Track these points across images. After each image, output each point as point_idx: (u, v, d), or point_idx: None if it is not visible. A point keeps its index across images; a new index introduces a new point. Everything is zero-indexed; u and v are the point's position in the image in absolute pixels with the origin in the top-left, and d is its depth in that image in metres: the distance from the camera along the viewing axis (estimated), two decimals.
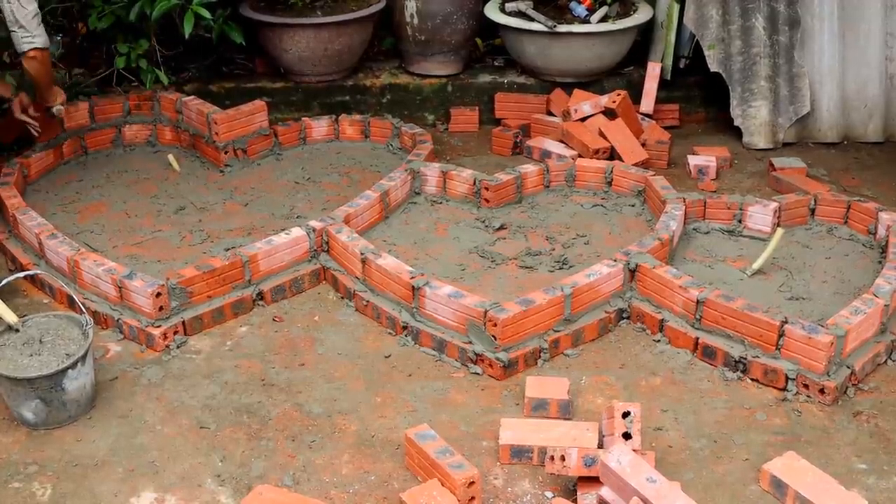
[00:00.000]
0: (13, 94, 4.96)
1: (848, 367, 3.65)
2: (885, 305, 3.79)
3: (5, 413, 3.55)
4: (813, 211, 4.71)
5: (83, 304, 4.03)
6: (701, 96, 6.23)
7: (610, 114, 5.50)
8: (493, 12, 6.09)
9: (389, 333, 4.03)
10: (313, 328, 4.08)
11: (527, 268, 4.39)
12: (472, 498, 3.05)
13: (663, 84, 6.05)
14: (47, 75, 4.82)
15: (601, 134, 5.39)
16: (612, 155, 5.33)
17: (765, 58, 5.80)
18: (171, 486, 3.23)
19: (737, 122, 5.85)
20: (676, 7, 5.96)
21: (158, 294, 3.92)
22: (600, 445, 3.27)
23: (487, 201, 4.85)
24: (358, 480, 3.25)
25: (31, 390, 3.39)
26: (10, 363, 3.46)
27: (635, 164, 5.14)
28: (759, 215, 4.61)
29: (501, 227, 4.71)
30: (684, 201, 4.59)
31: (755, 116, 5.82)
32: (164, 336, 3.92)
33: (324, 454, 3.36)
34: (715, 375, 3.76)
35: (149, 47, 5.69)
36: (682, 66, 6.16)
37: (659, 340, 3.96)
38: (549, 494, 3.18)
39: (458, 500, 3.01)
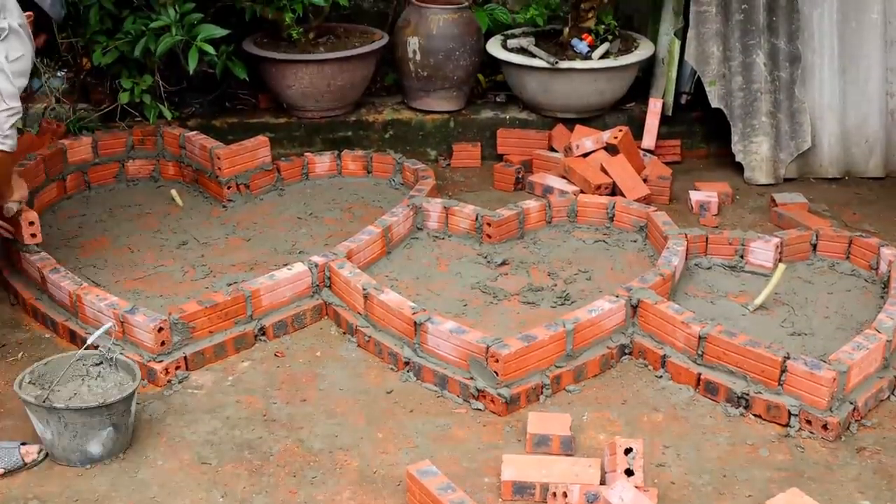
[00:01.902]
0: None
1: (851, 403, 3.64)
2: (888, 341, 3.79)
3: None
4: (815, 246, 4.72)
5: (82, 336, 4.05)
6: (702, 132, 6.25)
7: (611, 149, 5.51)
8: (494, 48, 6.13)
9: (391, 369, 4.03)
10: (315, 363, 4.08)
11: (529, 303, 4.39)
12: None
13: (664, 120, 6.07)
14: (4, 177, 4.11)
15: (603, 170, 5.41)
16: (614, 191, 5.34)
17: (766, 94, 5.83)
18: None
19: (738, 158, 5.86)
20: (677, 43, 5.99)
21: (160, 329, 3.92)
22: (602, 482, 3.26)
23: (489, 237, 4.86)
24: None
25: (107, 417, 3.40)
26: (78, 398, 3.52)
27: (637, 200, 5.15)
28: (761, 251, 4.61)
29: (503, 263, 4.72)
30: (686, 237, 4.60)
31: (756, 152, 5.84)
32: (166, 371, 3.92)
33: (325, 490, 3.35)
34: (717, 411, 3.75)
35: (153, 83, 5.72)
36: (683, 101, 6.18)
37: (661, 376, 3.96)
38: None
39: None
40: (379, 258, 4.71)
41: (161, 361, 3.92)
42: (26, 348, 4.17)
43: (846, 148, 5.94)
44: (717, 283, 4.54)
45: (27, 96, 5.29)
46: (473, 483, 3.36)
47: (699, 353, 3.85)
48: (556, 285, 4.54)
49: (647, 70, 6.27)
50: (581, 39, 6.05)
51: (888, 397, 3.82)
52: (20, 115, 3.91)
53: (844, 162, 5.94)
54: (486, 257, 4.76)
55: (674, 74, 6.04)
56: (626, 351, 4.09)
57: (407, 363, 3.97)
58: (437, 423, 3.70)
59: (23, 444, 3.47)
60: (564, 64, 5.83)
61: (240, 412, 3.76)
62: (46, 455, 3.47)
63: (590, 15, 6.11)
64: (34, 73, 4.53)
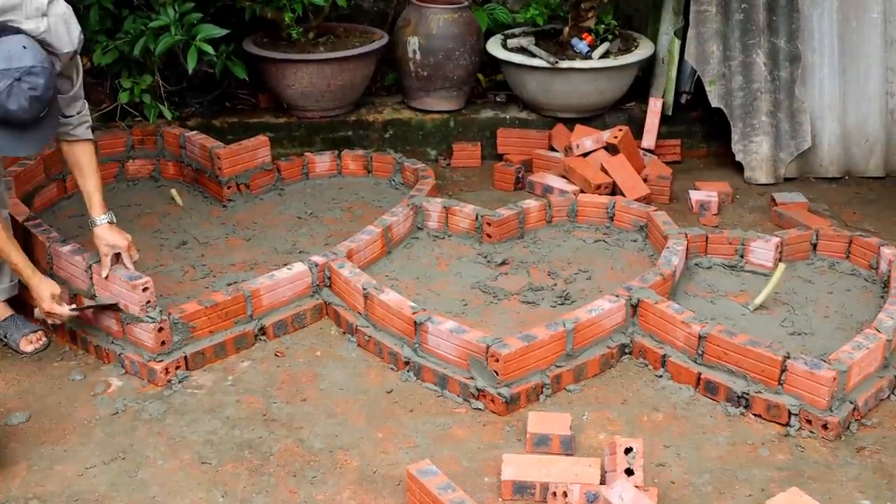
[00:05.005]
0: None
1: (851, 403, 3.64)
2: (888, 340, 3.78)
3: (4, 451, 3.54)
4: (815, 246, 4.71)
5: (82, 336, 4.07)
6: (702, 131, 6.25)
7: (612, 149, 5.52)
8: (494, 48, 6.13)
9: (391, 369, 4.03)
10: (315, 363, 4.08)
11: (529, 303, 4.39)
12: None
13: (664, 119, 6.07)
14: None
15: (603, 169, 5.41)
16: (614, 190, 5.34)
17: (766, 93, 5.83)
18: None
19: (738, 157, 5.86)
20: (677, 43, 5.99)
21: (160, 329, 3.92)
22: (602, 481, 3.26)
23: (489, 236, 4.86)
24: None
25: None
26: None
27: (637, 200, 5.15)
28: (761, 250, 4.61)
29: (503, 263, 4.72)
30: (686, 236, 4.60)
31: (756, 151, 5.84)
32: (166, 371, 3.92)
33: (325, 490, 3.35)
34: (717, 411, 3.75)
35: (152, 82, 5.72)
36: (683, 101, 6.19)
37: (661, 376, 3.96)
38: None
39: None
40: (379, 258, 4.71)
41: (161, 361, 3.92)
42: None
43: (846, 147, 5.93)
44: (717, 283, 4.54)
45: None
46: (473, 483, 3.36)
47: (699, 352, 3.85)
48: (556, 285, 4.54)
49: (647, 70, 6.27)
50: (581, 39, 6.05)
51: (888, 397, 3.82)
52: None
53: (844, 161, 5.94)
54: (486, 257, 4.76)
55: (674, 74, 6.04)
56: (626, 350, 4.09)
57: (407, 363, 3.97)
58: (437, 423, 3.70)
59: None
60: (564, 63, 5.83)
61: (240, 412, 3.76)
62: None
63: (590, 14, 6.11)
64: None
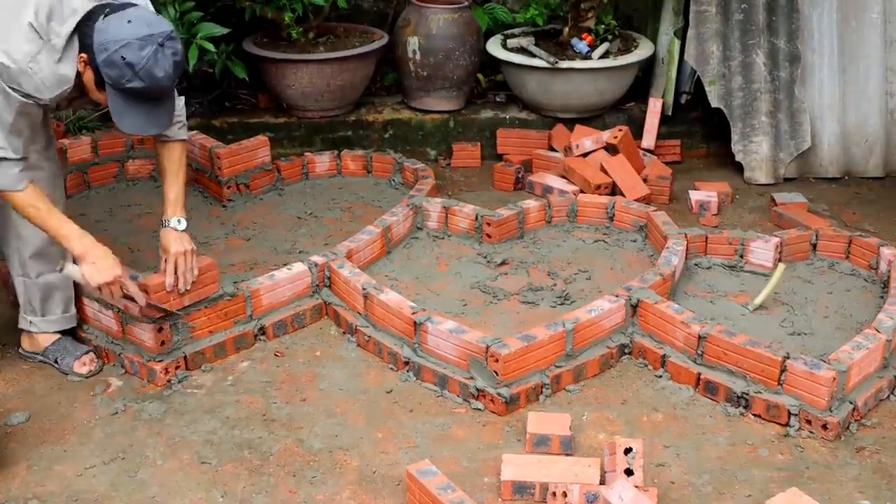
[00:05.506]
0: None
1: (850, 403, 3.64)
2: (888, 341, 3.78)
3: (4, 451, 3.54)
4: (814, 246, 4.72)
5: (85, 338, 4.07)
6: (702, 132, 6.25)
7: (611, 149, 5.51)
8: (494, 48, 6.13)
9: (391, 369, 4.03)
10: (315, 363, 4.08)
11: (528, 303, 4.39)
12: None
13: (664, 119, 6.07)
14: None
15: (603, 169, 5.41)
16: (614, 190, 5.34)
17: (765, 93, 5.83)
18: None
19: (738, 158, 5.86)
20: (677, 43, 6.00)
21: (160, 329, 3.91)
22: (602, 482, 3.26)
23: (489, 237, 4.86)
24: None
25: None
26: None
27: (637, 200, 5.15)
28: (761, 250, 4.61)
29: (503, 263, 4.72)
30: (686, 236, 4.60)
31: (756, 152, 5.84)
32: (166, 371, 3.92)
33: (325, 490, 3.35)
34: (717, 411, 3.75)
35: None
36: (683, 101, 6.19)
37: (661, 376, 3.96)
38: None
39: None
40: (379, 258, 4.71)
41: (161, 361, 3.92)
42: None
43: (846, 147, 5.94)
44: (716, 283, 4.54)
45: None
46: (473, 483, 3.36)
47: (699, 352, 3.85)
48: (555, 285, 4.54)
49: (646, 70, 6.27)
50: (581, 39, 6.05)
51: (888, 397, 3.82)
52: None
53: (844, 161, 5.95)
54: (485, 257, 4.76)
55: (673, 74, 6.05)
56: (626, 351, 4.09)
57: (407, 363, 3.97)
58: (437, 423, 3.70)
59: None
60: (564, 64, 5.83)
61: (239, 412, 3.76)
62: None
63: (590, 14, 6.11)
64: None
